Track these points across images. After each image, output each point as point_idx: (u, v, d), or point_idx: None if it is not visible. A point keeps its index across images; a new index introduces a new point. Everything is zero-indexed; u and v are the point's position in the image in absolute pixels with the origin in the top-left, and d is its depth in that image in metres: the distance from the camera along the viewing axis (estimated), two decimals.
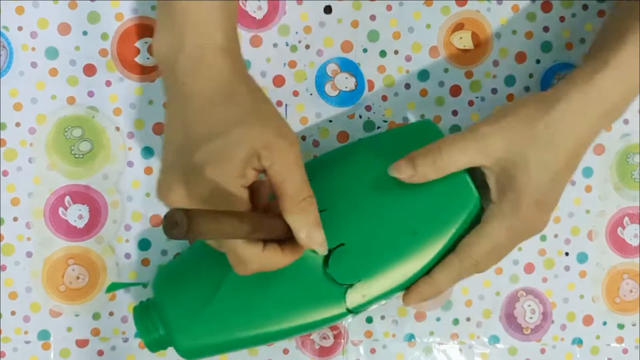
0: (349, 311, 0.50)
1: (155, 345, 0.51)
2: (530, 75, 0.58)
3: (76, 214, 0.56)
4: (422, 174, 0.48)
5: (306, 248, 0.46)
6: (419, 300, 0.50)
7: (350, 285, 0.49)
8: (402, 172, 0.48)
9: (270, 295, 0.49)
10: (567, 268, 0.59)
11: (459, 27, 0.57)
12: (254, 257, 0.44)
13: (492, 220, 0.48)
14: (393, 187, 0.49)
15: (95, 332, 0.56)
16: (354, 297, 0.50)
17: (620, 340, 0.59)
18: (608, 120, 0.49)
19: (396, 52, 0.57)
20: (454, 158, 0.48)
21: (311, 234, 0.45)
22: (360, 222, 0.50)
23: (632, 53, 0.47)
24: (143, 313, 0.51)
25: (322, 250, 0.47)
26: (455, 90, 0.57)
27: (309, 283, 0.49)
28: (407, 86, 0.57)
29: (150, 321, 0.51)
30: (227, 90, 0.46)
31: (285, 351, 0.57)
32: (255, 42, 0.56)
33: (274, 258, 0.45)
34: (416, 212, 0.50)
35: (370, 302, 0.50)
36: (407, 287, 0.51)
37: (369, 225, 0.50)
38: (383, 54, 0.57)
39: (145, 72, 0.56)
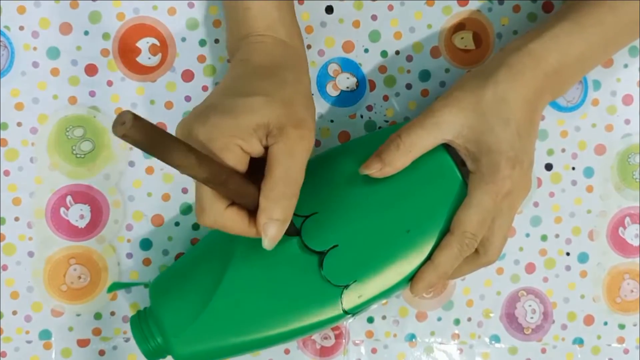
0: (346, 312, 0.50)
1: (153, 354, 0.51)
2: None
3: (77, 214, 0.56)
4: (390, 162, 0.49)
5: (262, 238, 0.45)
6: (426, 287, 0.50)
7: (346, 287, 0.49)
8: (371, 167, 0.49)
9: (266, 299, 0.49)
10: (568, 268, 0.59)
11: (460, 27, 0.57)
12: (213, 210, 0.44)
13: (474, 189, 0.49)
14: (383, 187, 0.50)
15: (97, 332, 0.56)
16: (350, 298, 0.50)
17: (621, 340, 0.59)
18: (553, 84, 0.50)
19: (397, 52, 0.57)
20: (415, 141, 0.49)
21: (269, 223, 0.45)
22: (353, 223, 0.50)
23: (568, 29, 0.50)
24: (140, 322, 0.51)
25: (269, 244, 0.45)
26: None
27: (304, 285, 0.49)
28: (409, 86, 0.57)
29: (147, 329, 0.50)
30: (276, 69, 0.48)
31: (287, 351, 0.57)
32: None
33: (234, 222, 0.45)
34: (407, 209, 0.50)
35: (367, 303, 0.50)
36: (409, 280, 0.51)
37: (361, 226, 0.50)
38: (384, 54, 0.57)
39: (147, 72, 0.56)
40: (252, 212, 0.45)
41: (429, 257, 0.50)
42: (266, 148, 0.45)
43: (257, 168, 0.45)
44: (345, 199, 0.50)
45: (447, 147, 0.50)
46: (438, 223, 0.50)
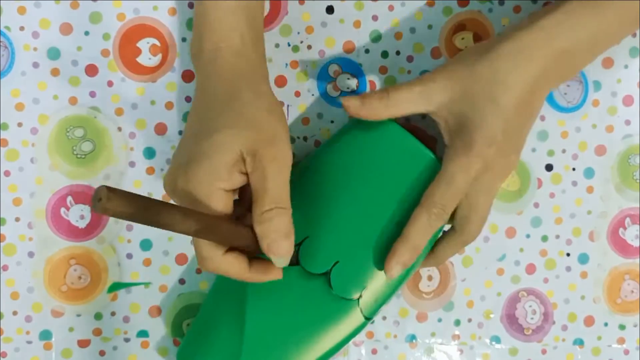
0: (368, 318, 0.51)
1: None
2: None
3: (78, 214, 0.56)
4: (368, 107, 0.49)
5: (272, 258, 0.46)
6: (402, 265, 0.49)
7: (360, 297, 0.50)
8: (350, 101, 0.50)
9: (292, 333, 0.50)
10: (568, 269, 0.59)
11: (460, 27, 0.57)
12: (212, 258, 0.46)
13: (447, 162, 0.49)
14: (364, 190, 0.51)
15: (97, 332, 0.56)
16: (367, 305, 0.51)
17: (621, 341, 0.59)
18: (562, 65, 0.49)
19: (398, 52, 0.57)
20: (399, 100, 0.49)
21: (272, 243, 0.45)
22: (346, 235, 0.51)
23: (581, 6, 0.48)
24: None
25: (282, 262, 0.46)
26: None
27: (322, 309, 0.50)
28: None
29: None
30: (232, 93, 0.47)
31: None
32: None
33: (234, 266, 0.46)
34: (391, 203, 0.51)
35: (383, 303, 0.51)
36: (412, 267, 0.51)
37: (354, 235, 0.51)
38: (385, 54, 0.57)
39: (147, 72, 0.56)
40: (252, 256, 0.47)
41: (425, 249, 0.51)
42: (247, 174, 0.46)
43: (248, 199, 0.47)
44: (332, 214, 0.51)
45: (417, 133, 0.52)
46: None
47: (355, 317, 0.51)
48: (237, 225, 0.46)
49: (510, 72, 0.47)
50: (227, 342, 0.50)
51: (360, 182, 0.51)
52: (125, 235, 0.56)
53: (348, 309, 0.51)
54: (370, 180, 0.51)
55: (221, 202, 0.45)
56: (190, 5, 0.55)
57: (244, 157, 0.45)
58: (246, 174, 0.46)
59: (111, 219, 0.56)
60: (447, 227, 0.52)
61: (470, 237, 0.51)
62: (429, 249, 0.52)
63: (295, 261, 0.50)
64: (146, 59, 0.56)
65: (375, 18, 0.56)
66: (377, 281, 0.51)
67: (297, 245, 0.50)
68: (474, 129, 0.48)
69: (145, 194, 0.55)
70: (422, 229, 0.49)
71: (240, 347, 0.50)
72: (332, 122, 0.57)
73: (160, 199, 0.56)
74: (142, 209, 0.39)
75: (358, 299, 0.50)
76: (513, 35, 0.48)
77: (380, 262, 0.50)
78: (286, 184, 0.46)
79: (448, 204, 0.49)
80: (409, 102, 0.49)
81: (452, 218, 0.51)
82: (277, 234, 0.46)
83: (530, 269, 0.59)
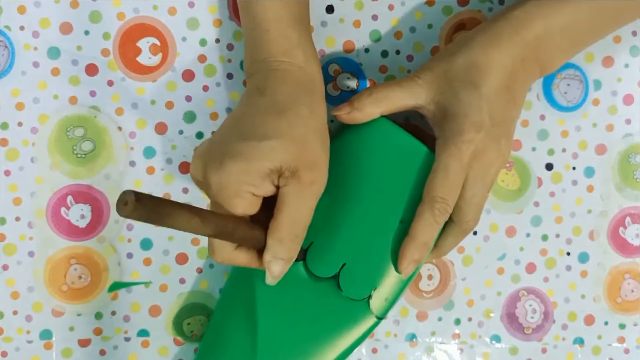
0: (380, 318, 0.51)
1: None
2: None
3: (78, 214, 0.56)
4: (359, 107, 0.50)
5: (266, 272, 0.47)
6: (415, 263, 0.50)
7: (370, 297, 0.51)
8: (341, 109, 0.51)
9: (305, 340, 0.51)
10: (568, 268, 0.59)
11: (460, 27, 0.57)
12: (223, 252, 0.47)
13: (439, 154, 0.49)
14: (363, 191, 0.51)
15: (98, 332, 0.56)
16: (378, 305, 0.51)
17: (621, 340, 0.59)
18: (538, 53, 0.50)
19: (398, 52, 0.57)
20: (388, 95, 0.50)
21: (273, 261, 0.47)
22: (351, 237, 0.51)
23: None
24: None
25: (272, 280, 0.47)
26: None
27: (334, 312, 0.51)
28: None
29: None
30: (289, 102, 0.47)
31: None
32: None
33: (244, 259, 0.48)
34: (392, 202, 0.51)
35: (394, 301, 0.51)
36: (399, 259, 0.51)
37: (359, 236, 0.51)
38: (385, 54, 0.57)
39: (147, 72, 0.56)
40: (260, 250, 0.48)
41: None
42: (278, 187, 0.46)
43: (268, 201, 0.47)
44: (336, 217, 0.51)
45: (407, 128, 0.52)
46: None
47: (367, 317, 0.51)
48: (252, 230, 0.46)
49: (484, 58, 0.49)
50: (241, 352, 0.51)
51: (360, 182, 0.51)
52: (125, 234, 0.56)
53: (359, 310, 0.51)
54: (369, 179, 0.51)
55: (244, 204, 0.45)
56: (191, 5, 0.55)
57: (282, 171, 0.45)
58: (275, 187, 0.46)
59: (111, 219, 0.56)
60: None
61: (469, 225, 0.51)
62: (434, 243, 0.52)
63: (302, 257, 0.51)
64: (146, 58, 0.56)
65: (375, 17, 0.56)
66: (386, 280, 0.51)
67: (304, 251, 0.51)
68: (460, 117, 0.48)
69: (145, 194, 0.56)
70: (428, 226, 0.49)
71: (255, 355, 0.50)
72: (331, 121, 0.57)
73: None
74: (163, 214, 0.39)
75: (368, 299, 0.51)
76: (486, 26, 0.50)
77: (387, 261, 0.50)
78: (312, 209, 0.47)
79: (448, 195, 0.49)
80: (397, 97, 0.50)
81: (453, 212, 0.51)
82: (283, 256, 0.47)
83: (531, 268, 0.59)
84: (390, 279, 0.51)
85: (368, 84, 0.57)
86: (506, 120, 0.50)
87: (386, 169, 0.51)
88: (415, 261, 0.50)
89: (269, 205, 0.47)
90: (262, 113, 0.47)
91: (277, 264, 0.47)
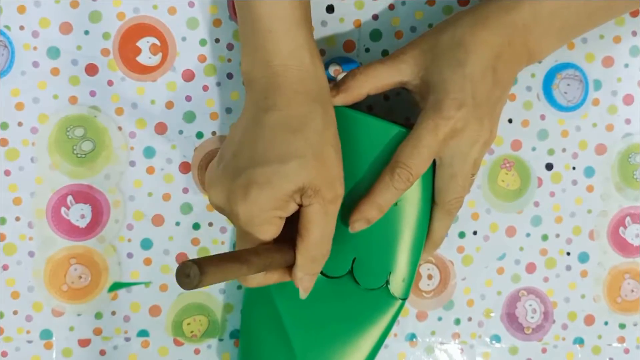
0: (404, 299, 0.52)
1: None
2: (533, 75, 0.58)
3: (78, 214, 0.56)
4: (345, 89, 0.50)
5: (299, 288, 0.49)
6: (365, 221, 0.50)
7: (387, 282, 0.51)
8: None
9: (339, 337, 0.51)
10: (568, 268, 0.59)
11: None
12: (256, 278, 0.48)
13: (416, 125, 0.49)
14: (356, 182, 0.51)
15: (98, 332, 0.56)
16: (397, 287, 0.52)
17: (621, 340, 0.59)
18: (526, 38, 0.49)
19: None
20: (373, 73, 0.50)
21: (304, 279, 0.48)
22: (356, 232, 0.50)
23: None
24: None
25: (304, 295, 0.49)
26: None
27: (359, 306, 0.52)
28: None
29: None
30: (303, 116, 0.47)
31: None
32: None
33: (277, 278, 0.49)
34: None
35: (412, 278, 0.52)
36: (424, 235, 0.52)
37: (364, 230, 0.50)
38: (385, 53, 0.57)
39: (147, 72, 0.56)
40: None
41: (424, 212, 0.51)
42: (300, 204, 0.46)
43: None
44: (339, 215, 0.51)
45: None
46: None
47: (391, 302, 0.52)
48: (283, 254, 0.47)
49: (470, 37, 0.49)
50: (280, 354, 0.52)
51: (348, 176, 0.50)
52: (125, 234, 0.56)
53: (381, 298, 0.52)
54: (356, 171, 0.51)
55: (273, 230, 0.46)
56: (191, 5, 0.55)
57: (304, 190, 0.46)
58: (299, 204, 0.46)
59: (111, 219, 0.56)
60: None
61: (452, 206, 0.51)
62: (424, 237, 0.52)
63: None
64: (146, 58, 0.56)
65: (375, 17, 0.56)
66: (399, 261, 0.51)
67: None
68: (442, 93, 0.48)
69: (145, 193, 0.56)
70: (384, 188, 0.49)
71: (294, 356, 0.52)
72: None
73: (161, 197, 0.56)
74: (221, 279, 0.40)
75: (387, 284, 0.51)
76: (476, 7, 0.50)
77: (394, 243, 0.51)
78: (334, 224, 0.48)
79: (413, 164, 0.49)
80: (382, 74, 0.50)
81: (434, 194, 0.51)
82: (312, 274, 0.48)
83: (531, 268, 0.59)
84: (402, 260, 0.51)
85: None
86: (490, 100, 0.49)
87: (368, 156, 0.51)
88: (367, 220, 0.50)
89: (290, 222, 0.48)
90: (277, 131, 0.46)
91: (309, 280, 0.48)
